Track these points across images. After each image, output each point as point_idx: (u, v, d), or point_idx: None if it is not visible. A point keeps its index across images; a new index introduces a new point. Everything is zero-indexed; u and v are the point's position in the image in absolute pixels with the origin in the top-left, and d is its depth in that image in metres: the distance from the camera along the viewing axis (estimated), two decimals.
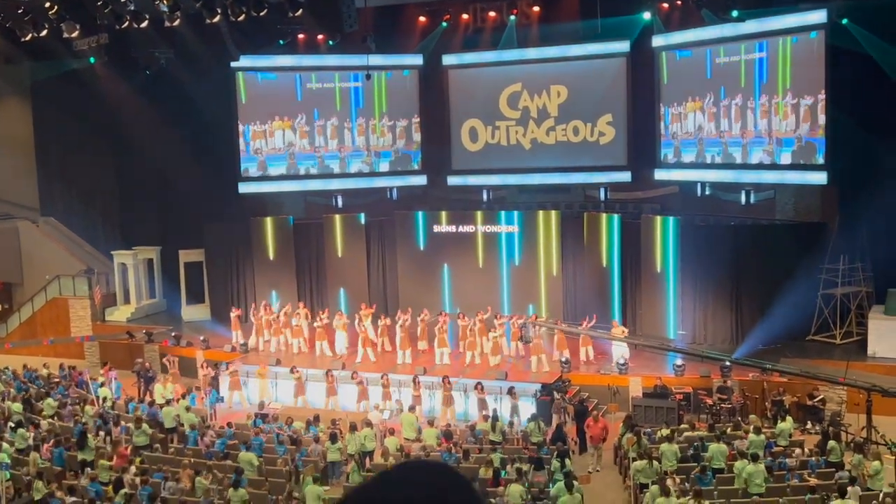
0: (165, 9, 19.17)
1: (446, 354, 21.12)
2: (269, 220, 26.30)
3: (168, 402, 18.55)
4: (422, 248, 25.81)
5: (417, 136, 27.16)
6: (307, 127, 26.52)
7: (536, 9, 25.08)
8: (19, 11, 20.08)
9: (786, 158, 21.44)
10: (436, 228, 25.74)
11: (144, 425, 16.64)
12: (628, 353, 20.28)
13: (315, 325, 22.21)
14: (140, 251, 27.07)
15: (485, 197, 27.11)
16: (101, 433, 16.76)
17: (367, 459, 15.91)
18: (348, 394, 19.74)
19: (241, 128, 26.21)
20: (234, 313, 23.67)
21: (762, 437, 15.03)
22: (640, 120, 24.70)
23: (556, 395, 18.40)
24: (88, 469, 14.82)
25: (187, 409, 17.96)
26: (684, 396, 18.44)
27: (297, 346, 22.47)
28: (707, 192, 24.28)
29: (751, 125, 21.99)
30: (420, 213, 26.06)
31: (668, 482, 13.07)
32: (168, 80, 24.63)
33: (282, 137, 26.42)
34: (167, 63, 24.20)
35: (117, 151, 28.20)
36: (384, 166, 27.10)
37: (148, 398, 19.71)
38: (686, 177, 24.25)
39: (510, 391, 18.40)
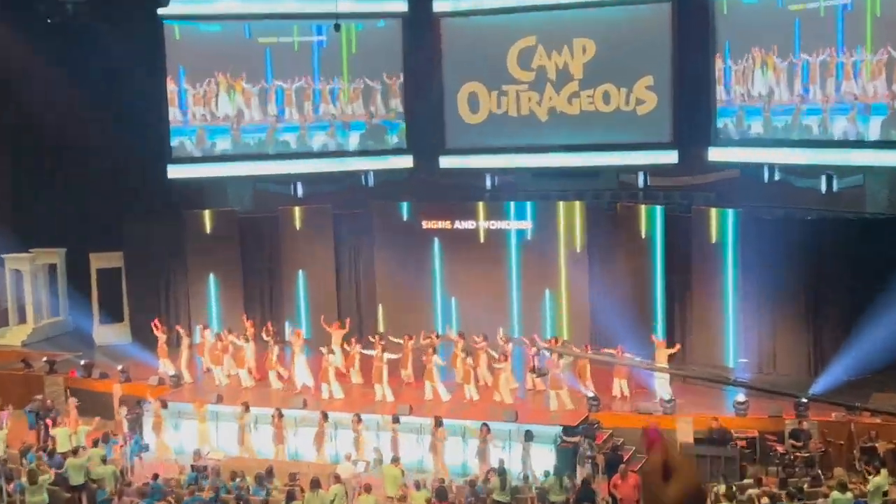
0: None
1: (438, 389, 21.10)
2: (206, 214, 26.26)
3: (76, 451, 18.44)
4: (406, 249, 25.75)
5: (396, 103, 27.09)
6: (256, 90, 26.51)
7: None
8: None
9: (875, 130, 21.49)
10: (425, 224, 25.70)
11: (43, 478, 16.51)
12: (669, 388, 20.25)
13: (270, 351, 22.15)
14: (39, 254, 26.91)
15: (488, 183, 27.09)
16: None
17: None
18: (306, 439, 19.75)
19: (173, 89, 26.18)
20: (160, 337, 23.47)
21: (849, 495, 15.05)
22: (689, 83, 24.73)
23: (582, 443, 18.39)
24: None
25: (104, 460, 17.86)
26: (748, 443, 18.45)
27: (245, 378, 22.40)
28: (776, 177, 24.28)
29: (831, 87, 22.04)
30: (404, 205, 25.99)
31: None
32: (77, 33, 24.55)
33: (227, 103, 26.45)
34: (76, 10, 24.12)
35: (8, 126, 28.04)
36: (354, 140, 27.05)
37: (50, 445, 19.61)
38: (749, 157, 24.29)
39: (526, 436, 18.38)
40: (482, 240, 25.34)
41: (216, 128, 26.59)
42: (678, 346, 21.68)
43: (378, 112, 27.14)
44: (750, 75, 23.63)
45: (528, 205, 25.28)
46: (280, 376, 22.23)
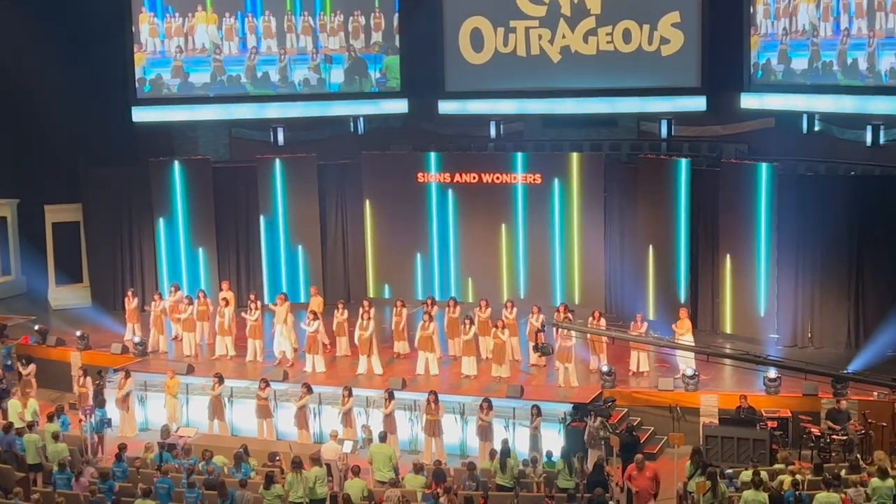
0: None
1: (433, 361, 21.18)
2: (176, 163, 26.21)
3: (31, 427, 18.53)
4: (400, 205, 25.79)
5: (379, 36, 26.92)
6: (236, 23, 26.44)
7: None
8: None
9: None
10: (421, 177, 25.72)
11: None
12: (692, 363, 20.35)
13: (247, 316, 22.23)
14: None
15: (493, 132, 27.04)
16: None
17: None
18: (287, 415, 19.88)
19: (143, 19, 26.05)
20: (129, 301, 23.54)
21: (890, 482, 15.12)
22: (720, 20, 24.65)
23: (593, 422, 18.46)
24: None
25: (55, 436, 17.91)
26: (779, 424, 18.52)
27: (225, 347, 22.50)
28: (816, 128, 24.27)
29: (881, 22, 21.84)
30: (399, 156, 25.90)
31: None
32: None
33: (204, 35, 26.35)
34: None
35: None
36: (337, 75, 26.92)
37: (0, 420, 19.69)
38: (787, 104, 24.22)
39: (533, 412, 18.48)
40: (486, 195, 25.32)
41: (193, 59, 26.49)
42: None
43: (363, 45, 26.99)
44: (795, 10, 23.37)
45: (538, 157, 25.23)
46: (258, 346, 22.32)
